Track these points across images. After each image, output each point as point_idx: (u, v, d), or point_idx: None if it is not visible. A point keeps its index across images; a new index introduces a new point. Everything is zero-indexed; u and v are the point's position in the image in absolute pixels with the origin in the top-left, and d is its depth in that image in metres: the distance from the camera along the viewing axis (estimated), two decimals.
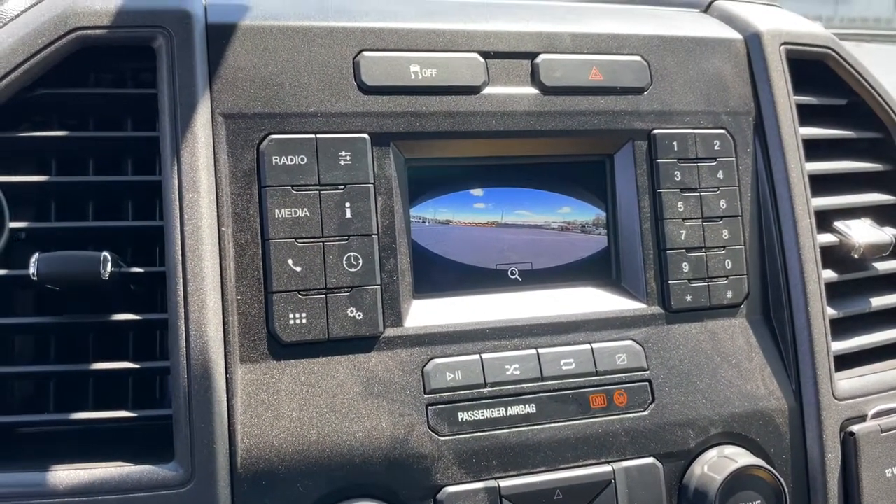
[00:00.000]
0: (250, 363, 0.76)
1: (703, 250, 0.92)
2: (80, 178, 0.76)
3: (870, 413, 0.94)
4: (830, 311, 0.95)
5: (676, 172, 0.92)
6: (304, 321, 0.78)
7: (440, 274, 0.86)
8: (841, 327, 0.97)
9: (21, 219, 0.76)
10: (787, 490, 0.85)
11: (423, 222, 0.86)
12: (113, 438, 0.76)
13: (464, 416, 0.80)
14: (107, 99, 0.80)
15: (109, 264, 0.71)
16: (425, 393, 0.80)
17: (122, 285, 0.77)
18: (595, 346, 0.86)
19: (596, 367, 0.85)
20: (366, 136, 0.81)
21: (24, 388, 0.78)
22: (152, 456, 0.72)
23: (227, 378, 0.73)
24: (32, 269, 0.70)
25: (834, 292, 0.97)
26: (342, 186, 0.80)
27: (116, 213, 0.82)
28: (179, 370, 0.71)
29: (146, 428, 0.76)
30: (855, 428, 0.91)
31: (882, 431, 0.93)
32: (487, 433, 0.80)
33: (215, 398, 0.72)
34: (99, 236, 0.78)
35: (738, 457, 0.85)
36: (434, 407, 0.80)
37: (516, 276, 0.88)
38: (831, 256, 0.98)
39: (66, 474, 0.69)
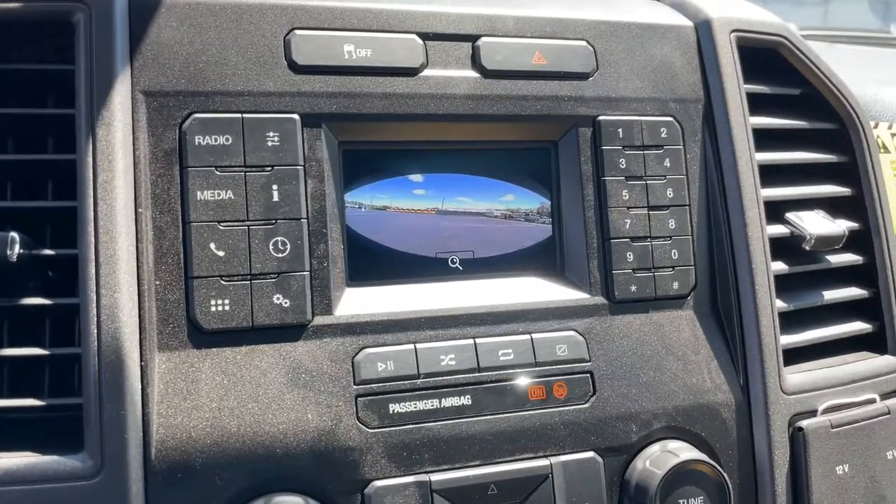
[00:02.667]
0: (168, 351, 0.73)
1: (649, 240, 0.90)
2: None
3: (820, 408, 0.91)
4: (780, 304, 0.93)
5: (621, 160, 0.89)
6: (226, 308, 0.75)
7: (376, 261, 0.83)
8: (791, 320, 0.95)
9: None
10: (730, 486, 0.82)
11: (360, 208, 0.83)
12: (26, 430, 0.72)
13: (395, 407, 0.77)
14: (26, 75, 0.77)
15: (18, 245, 0.68)
16: (355, 384, 0.77)
17: (38, 271, 0.74)
18: (535, 336, 0.84)
19: (535, 357, 0.83)
20: (296, 116, 0.78)
21: None
22: (64, 447, 0.69)
23: (141, 366, 0.70)
24: None
25: (784, 285, 0.95)
26: (269, 168, 0.77)
27: (40, 195, 0.79)
28: (90, 357, 0.68)
29: (60, 420, 0.72)
30: (804, 423, 0.89)
31: (832, 427, 0.91)
32: (419, 426, 0.77)
33: (128, 386, 0.69)
34: (16, 218, 0.74)
35: (681, 451, 0.83)
36: (364, 398, 0.77)
37: (457, 264, 0.86)
38: (782, 248, 0.96)
39: None
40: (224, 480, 0.71)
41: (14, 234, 0.68)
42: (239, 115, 0.76)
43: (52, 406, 0.70)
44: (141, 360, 0.70)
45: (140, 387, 0.70)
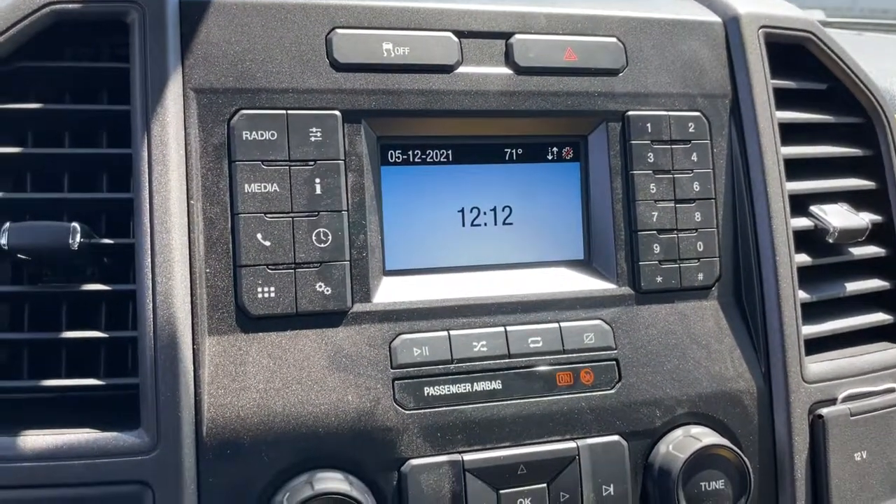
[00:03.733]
0: (218, 335, 0.77)
1: (675, 232, 0.92)
2: (52, 150, 0.77)
3: (840, 396, 0.94)
4: (803, 295, 0.96)
5: (650, 154, 0.92)
6: (272, 295, 0.79)
7: (412, 252, 0.87)
8: (813, 311, 0.97)
9: None
10: (751, 470, 0.86)
11: (396, 200, 0.87)
12: (84, 408, 0.77)
13: (430, 390, 0.81)
14: (82, 73, 0.81)
15: (79, 235, 0.73)
16: (392, 367, 0.81)
17: (95, 258, 0.79)
18: (563, 324, 0.87)
19: (563, 345, 0.86)
20: (337, 112, 0.82)
21: None
22: (121, 424, 0.74)
23: (194, 349, 0.75)
24: (3, 240, 0.72)
25: (807, 276, 0.97)
26: (312, 162, 0.81)
27: (94, 187, 0.83)
28: (146, 339, 0.73)
29: (116, 398, 0.77)
30: (824, 411, 0.92)
31: (851, 415, 0.93)
32: (453, 408, 0.81)
33: (181, 367, 0.73)
34: (74, 209, 0.79)
35: (703, 436, 0.86)
36: (400, 381, 0.81)
37: (489, 255, 0.89)
38: (806, 241, 0.98)
39: (34, 439, 0.71)
40: (270, 457, 0.75)
41: (76, 225, 0.73)
42: (284, 112, 0.80)
43: (108, 386, 0.75)
44: (193, 344, 0.75)
45: (193, 368, 0.74)
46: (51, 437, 0.71)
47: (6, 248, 0.71)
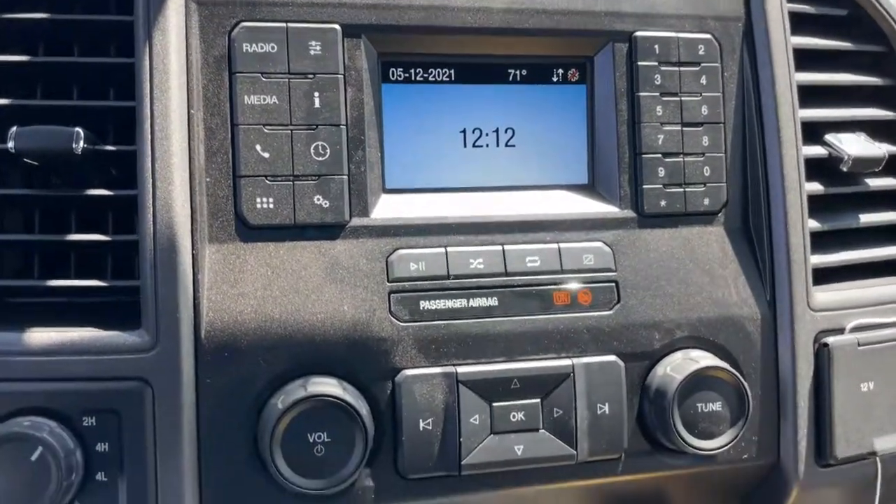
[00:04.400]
0: (218, 243, 0.79)
1: (681, 156, 0.91)
2: (59, 58, 0.79)
3: (848, 327, 0.92)
4: (813, 224, 0.93)
5: (657, 76, 0.90)
6: (270, 206, 0.80)
7: (412, 169, 0.87)
8: (824, 242, 0.95)
9: (8, 97, 0.79)
10: (749, 393, 0.85)
11: (397, 117, 0.87)
12: (90, 313, 0.80)
13: (425, 304, 0.82)
14: None
15: (82, 140, 0.75)
16: (388, 281, 0.82)
17: (101, 167, 0.81)
18: (563, 245, 0.87)
19: (562, 265, 0.86)
20: (336, 26, 0.82)
21: (12, 261, 0.83)
22: (123, 326, 0.76)
23: (193, 254, 0.77)
24: (10, 143, 0.74)
25: (819, 206, 0.95)
26: (311, 76, 0.81)
27: (102, 96, 0.85)
28: (146, 242, 0.75)
29: (122, 305, 0.79)
30: (830, 340, 0.90)
31: (859, 345, 0.92)
32: (448, 322, 0.82)
33: (180, 270, 0.75)
34: (80, 117, 0.81)
35: (702, 359, 0.86)
36: (396, 295, 0.82)
37: (490, 175, 0.89)
38: (819, 169, 0.96)
39: (39, 335, 0.74)
40: (267, 361, 0.77)
41: (79, 130, 0.75)
42: (284, 25, 0.81)
43: (112, 288, 0.77)
44: (192, 249, 0.77)
45: (191, 272, 0.76)
46: (56, 334, 0.74)
47: (13, 150, 0.74)
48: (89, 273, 0.81)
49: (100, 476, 0.74)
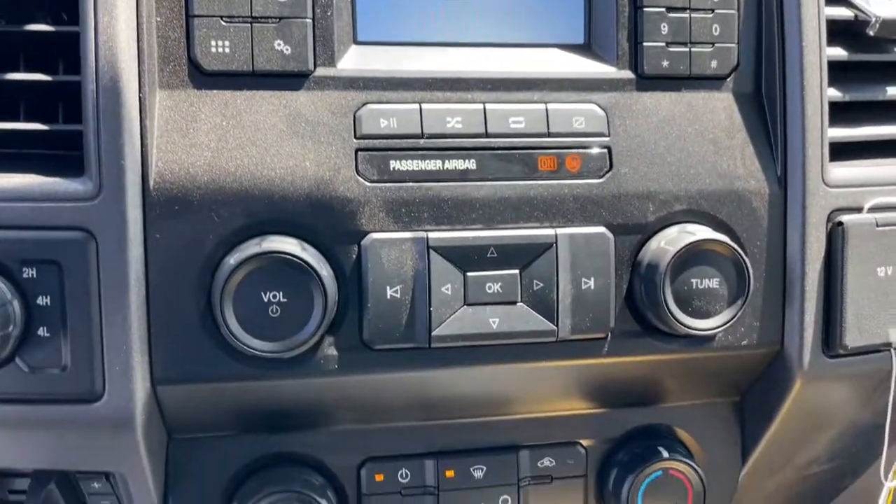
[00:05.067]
0: (169, 89, 0.73)
1: (688, 11, 0.82)
2: None
3: (866, 206, 0.84)
4: (833, 93, 0.84)
5: None
6: (226, 50, 0.74)
7: (385, 20, 0.80)
8: (844, 113, 0.86)
9: None
10: (750, 270, 0.78)
11: None
12: (37, 163, 0.75)
13: (395, 164, 0.76)
14: None
15: None
16: (355, 138, 0.75)
17: (51, 9, 0.75)
18: (550, 106, 0.79)
19: (549, 127, 0.79)
20: None
21: None
22: (68, 174, 0.71)
23: (140, 98, 0.71)
24: None
25: (841, 74, 0.85)
26: None
27: None
28: (88, 82, 0.69)
29: (71, 157, 0.74)
30: (845, 218, 0.82)
31: (878, 226, 0.83)
32: (420, 184, 0.76)
33: (125, 113, 0.69)
34: None
35: (699, 233, 0.78)
36: (364, 153, 0.75)
37: (474, 29, 0.81)
38: (843, 33, 0.86)
39: None
40: (221, 217, 0.72)
41: None
42: None
43: (56, 135, 0.72)
44: (140, 93, 0.71)
45: (138, 118, 0.70)
46: None
47: None
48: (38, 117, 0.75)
49: (42, 331, 0.69)
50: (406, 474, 0.84)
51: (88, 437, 0.73)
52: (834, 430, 0.93)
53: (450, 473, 0.85)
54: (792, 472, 0.98)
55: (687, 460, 0.87)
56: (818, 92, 0.82)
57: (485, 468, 0.86)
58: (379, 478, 0.84)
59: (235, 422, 0.81)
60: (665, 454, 0.86)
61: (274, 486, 0.79)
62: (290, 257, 0.70)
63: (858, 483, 1.09)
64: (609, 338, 0.80)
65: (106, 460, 0.76)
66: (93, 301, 0.69)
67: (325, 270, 0.71)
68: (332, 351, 0.75)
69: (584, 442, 0.88)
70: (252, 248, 0.70)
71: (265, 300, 0.70)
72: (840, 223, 0.82)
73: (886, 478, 0.91)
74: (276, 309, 0.70)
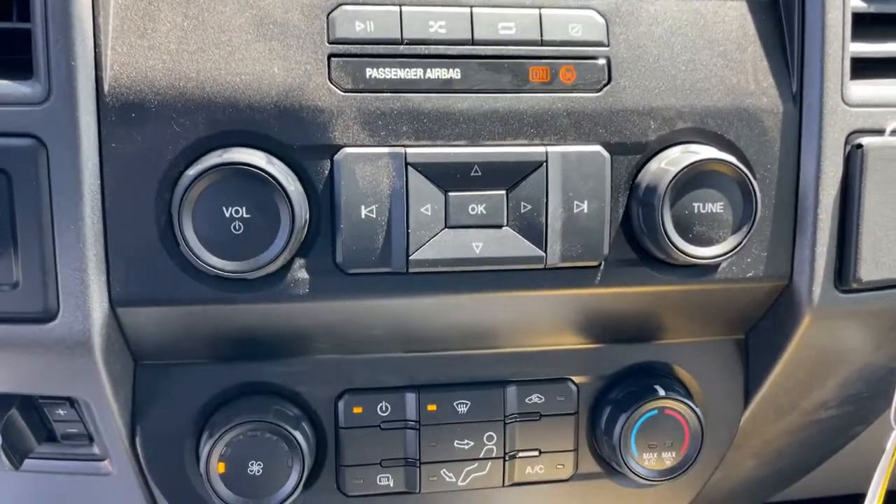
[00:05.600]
0: None
1: None
2: None
3: (888, 128, 0.77)
4: (856, 3, 0.77)
5: None
6: None
7: None
8: (869, 27, 0.78)
9: None
10: (757, 193, 0.71)
11: None
12: None
13: (372, 72, 0.70)
14: None
15: None
16: (328, 42, 0.69)
17: None
18: (545, 11, 0.72)
19: (542, 34, 0.72)
20: None
21: None
22: (18, 77, 0.66)
23: None
24: None
25: None
26: None
27: None
28: None
29: (24, 62, 0.69)
30: (865, 140, 0.75)
31: None
32: (399, 95, 0.69)
33: (76, 11, 0.64)
34: None
35: (704, 152, 0.72)
36: (338, 59, 0.69)
37: None
38: None
39: None
40: (181, 126, 0.66)
41: None
42: None
43: (5, 35, 0.66)
44: None
45: (91, 16, 0.65)
46: None
47: None
48: None
49: None
50: (386, 407, 0.80)
51: (45, 360, 0.69)
52: (844, 373, 0.88)
53: (432, 408, 0.81)
54: (798, 416, 0.93)
55: (685, 400, 0.82)
56: (840, 1, 0.75)
57: (469, 403, 0.81)
58: (357, 410, 0.80)
59: (206, 349, 0.77)
60: (662, 392, 0.81)
61: (246, 416, 0.75)
62: (255, 170, 0.64)
63: (868, 432, 1.04)
64: (602, 266, 0.74)
65: (65, 385, 0.73)
66: (44, 213, 0.65)
67: (292, 186, 0.66)
68: (303, 274, 0.70)
69: (576, 378, 0.83)
70: (213, 159, 0.65)
71: (227, 216, 0.65)
72: (859, 146, 0.75)
73: None
74: (240, 226, 0.65)
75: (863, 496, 0.85)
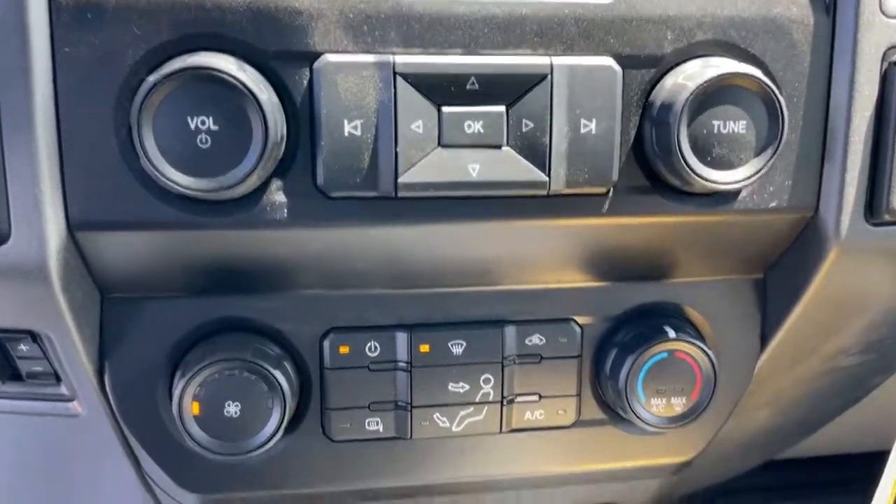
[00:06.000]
0: None
1: None
2: None
3: None
4: None
5: None
6: None
7: None
8: None
9: None
10: (784, 108, 0.64)
11: None
12: None
13: None
14: None
15: None
16: None
17: None
18: None
19: None
20: None
21: None
22: None
23: None
24: None
25: None
26: None
27: None
28: None
29: None
30: None
31: None
32: None
33: None
34: None
35: (725, 66, 0.65)
36: None
37: None
38: None
39: None
40: (143, 29, 0.59)
41: None
42: None
43: None
44: None
45: None
46: None
47: None
48: None
49: None
50: (375, 347, 0.75)
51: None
52: (869, 316, 0.82)
53: (425, 348, 0.75)
54: (817, 362, 0.87)
55: (697, 342, 0.76)
56: None
57: (465, 344, 0.75)
58: (344, 350, 0.74)
59: (179, 281, 0.71)
60: (672, 334, 0.75)
61: (222, 354, 0.70)
62: (223, 75, 0.57)
63: (886, 387, 0.98)
64: (611, 194, 0.67)
65: (23, 316, 0.67)
66: None
67: (265, 95, 0.59)
68: (280, 198, 0.64)
69: (580, 319, 0.77)
70: (177, 63, 0.58)
71: (192, 128, 0.58)
72: None
73: None
74: (206, 139, 0.59)
75: (883, 454, 0.80)
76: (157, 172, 0.58)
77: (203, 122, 0.58)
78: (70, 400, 0.76)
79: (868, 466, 0.86)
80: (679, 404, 0.77)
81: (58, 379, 0.75)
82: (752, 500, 1.61)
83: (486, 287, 0.76)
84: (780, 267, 0.78)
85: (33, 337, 0.71)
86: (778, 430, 1.00)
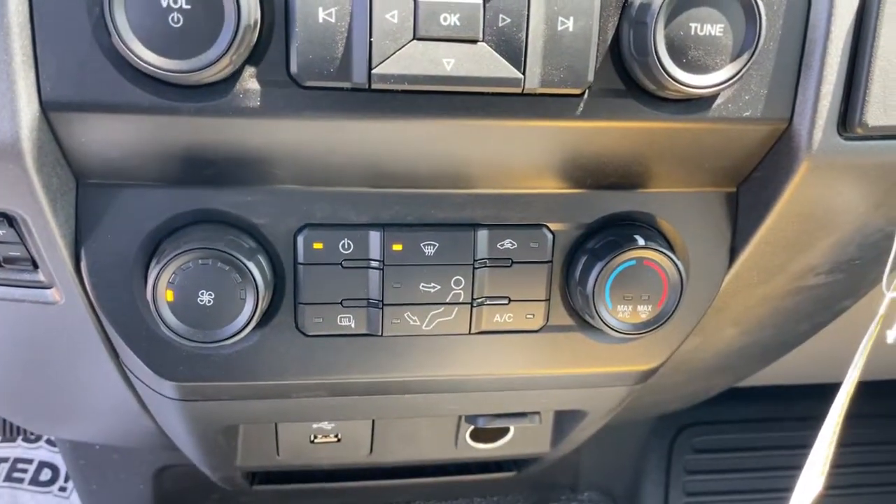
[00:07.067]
0: None
1: None
2: None
3: None
4: None
5: None
6: None
7: None
8: None
9: None
10: (762, 11, 0.64)
11: None
12: None
13: None
14: None
15: None
16: None
17: None
18: None
19: None
20: None
21: None
22: None
23: None
24: None
25: None
26: None
27: None
28: None
29: None
30: None
31: None
32: None
33: None
34: None
35: None
36: None
37: None
38: None
39: None
40: None
41: None
42: None
43: None
44: None
45: None
46: None
47: None
48: None
49: None
50: (348, 245, 0.76)
51: None
52: (837, 234, 0.83)
53: (397, 247, 0.76)
54: (784, 281, 0.88)
55: (666, 251, 0.77)
56: None
57: (437, 245, 0.77)
58: (318, 246, 0.76)
59: (155, 170, 0.71)
60: (641, 242, 0.76)
61: (197, 244, 0.71)
62: None
63: (850, 318, 1.00)
64: (586, 95, 0.68)
65: None
66: None
67: None
68: (253, 85, 0.64)
69: (552, 225, 0.78)
70: None
71: (164, 5, 0.58)
72: None
73: (888, 288, 0.82)
74: (178, 18, 0.58)
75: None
76: (128, 51, 0.58)
77: (175, 0, 0.58)
78: (48, 287, 0.77)
79: (825, 398, 0.89)
80: (645, 312, 0.78)
81: (35, 265, 0.76)
82: (714, 431, 1.68)
83: (460, 190, 0.77)
84: (752, 181, 0.78)
85: (10, 221, 0.71)
86: (743, 351, 1.03)
